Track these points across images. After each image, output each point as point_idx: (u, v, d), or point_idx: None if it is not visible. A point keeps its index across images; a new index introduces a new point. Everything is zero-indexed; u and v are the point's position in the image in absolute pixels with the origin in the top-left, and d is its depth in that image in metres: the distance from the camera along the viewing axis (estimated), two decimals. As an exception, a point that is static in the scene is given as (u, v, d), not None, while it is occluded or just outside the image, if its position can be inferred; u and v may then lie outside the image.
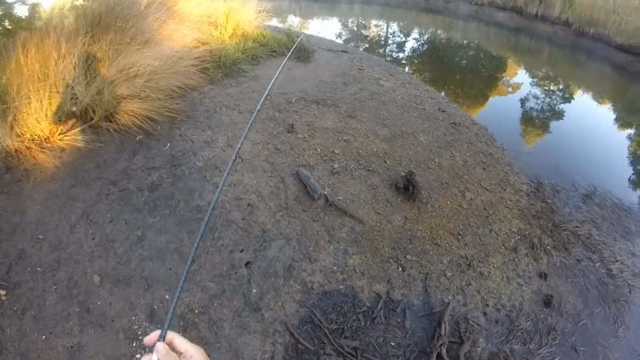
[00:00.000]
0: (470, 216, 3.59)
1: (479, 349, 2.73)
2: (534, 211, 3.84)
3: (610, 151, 6.27)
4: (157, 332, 0.67)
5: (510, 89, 9.35)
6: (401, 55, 10.73)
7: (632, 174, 5.66)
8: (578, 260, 3.47)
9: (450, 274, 3.09)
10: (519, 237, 3.52)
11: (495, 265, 3.24)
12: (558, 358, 2.78)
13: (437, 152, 4.35)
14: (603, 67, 10.46)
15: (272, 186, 3.50)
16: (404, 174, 3.82)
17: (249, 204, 3.27)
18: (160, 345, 0.64)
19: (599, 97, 9.83)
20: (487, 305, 2.97)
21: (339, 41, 10.25)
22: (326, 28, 12.37)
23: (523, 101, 8.46)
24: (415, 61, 10.23)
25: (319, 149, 4.06)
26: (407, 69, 9.09)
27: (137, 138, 3.77)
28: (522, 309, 3.02)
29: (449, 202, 3.66)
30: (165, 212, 3.10)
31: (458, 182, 3.96)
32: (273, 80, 2.20)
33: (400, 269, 3.04)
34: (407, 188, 3.57)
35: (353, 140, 4.26)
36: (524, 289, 3.15)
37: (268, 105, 4.70)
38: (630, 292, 3.31)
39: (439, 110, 5.49)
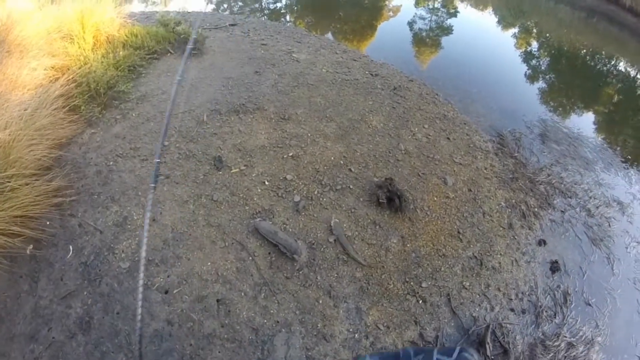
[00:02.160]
0: (460, 205, 3.53)
1: (519, 347, 2.82)
2: (509, 173, 3.98)
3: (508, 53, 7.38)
4: None
5: (391, 14, 9.83)
6: (279, 5, 10.09)
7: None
8: (562, 211, 3.76)
9: (468, 284, 3.04)
10: (509, 210, 3.63)
11: (501, 253, 3.29)
12: (579, 319, 3.06)
13: (397, 136, 4.11)
14: None
15: (233, 261, 2.86)
16: (377, 180, 3.53)
17: (218, 301, 2.63)
18: None
19: (485, 5, 10.82)
20: (511, 300, 3.04)
21: (210, 7, 8.96)
22: None
23: (411, 23, 8.98)
24: (296, 7, 9.75)
25: (266, 182, 3.45)
26: (288, 17, 8.72)
27: (28, 252, 2.73)
28: (538, 287, 3.17)
29: (435, 198, 3.53)
30: (119, 358, 2.32)
31: (432, 166, 3.83)
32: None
33: (421, 302, 2.86)
34: (391, 199, 3.30)
35: (302, 154, 3.72)
36: (532, 265, 3.30)
37: (176, 136, 3.78)
38: (609, 225, 3.76)
39: (371, 74, 5.17)
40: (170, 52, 5.10)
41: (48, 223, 2.93)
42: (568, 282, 3.27)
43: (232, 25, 6.27)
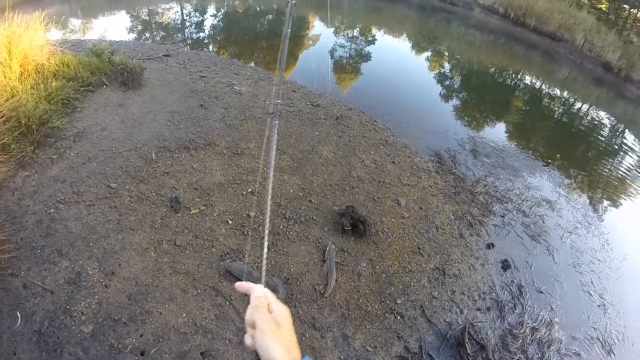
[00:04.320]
0: (416, 223, 4.04)
1: (492, 340, 3.29)
2: (452, 188, 4.66)
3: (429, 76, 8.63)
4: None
5: (310, 42, 10.77)
6: (202, 35, 10.50)
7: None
8: (502, 216, 4.50)
9: (436, 293, 3.48)
10: (458, 221, 4.23)
11: (459, 261, 3.83)
12: (536, 306, 3.68)
13: (347, 164, 4.56)
14: (399, 8, 13.09)
15: (210, 309, 2.92)
16: (337, 209, 3.88)
17: (202, 354, 2.66)
18: (260, 289, 0.79)
19: (400, 34, 12.35)
20: (476, 301, 3.55)
21: (133, 36, 8.98)
22: (117, 25, 10.63)
23: (332, 51, 9.90)
24: (219, 38, 10.25)
25: (229, 221, 3.60)
26: (211, 47, 9.16)
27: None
28: (495, 285, 3.75)
29: (393, 220, 3.99)
30: None
31: (385, 190, 4.32)
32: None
33: (399, 318, 3.21)
34: (355, 226, 3.66)
35: (261, 189, 3.95)
36: (486, 267, 3.88)
37: (123, 177, 3.75)
38: (543, 221, 4.60)
39: (312, 105, 5.66)
40: (106, 84, 5.04)
41: (-14, 286, 2.68)
42: (519, 276, 3.92)
43: (165, 56, 6.42)
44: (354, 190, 4.22)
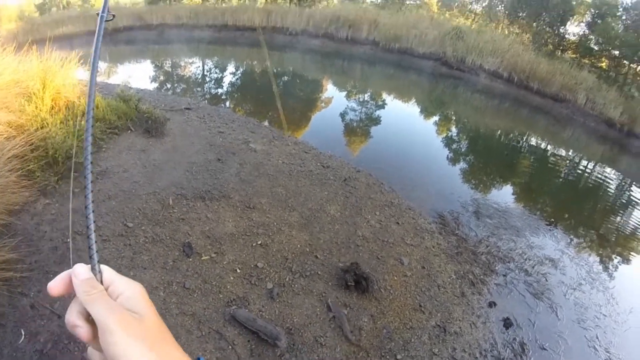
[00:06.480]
0: (418, 282, 4.18)
1: None
2: (454, 249, 4.83)
3: (436, 140, 9.17)
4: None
5: (323, 104, 11.48)
6: (220, 91, 11.41)
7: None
8: (504, 275, 4.61)
9: (437, 350, 3.53)
10: (460, 280, 4.35)
11: (460, 319, 3.90)
12: None
13: (353, 223, 4.82)
14: (410, 74, 14.13)
15: (212, 351, 3.06)
16: (342, 265, 4.08)
17: (201, 398, 2.78)
18: (82, 268, 0.54)
19: (410, 99, 13.10)
20: (477, 358, 3.57)
21: (155, 85, 9.94)
22: (141, 73, 11.82)
23: (343, 114, 10.45)
24: (236, 95, 11.11)
25: (238, 270, 3.82)
26: (228, 103, 9.95)
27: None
28: (497, 342, 3.77)
29: (395, 278, 4.14)
30: None
31: (388, 249, 4.52)
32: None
33: (399, 374, 3.26)
34: (358, 282, 3.83)
35: (270, 243, 4.21)
36: (488, 325, 3.93)
37: (140, 218, 4.06)
38: (546, 279, 4.68)
39: (322, 166, 6.07)
40: (131, 130, 5.52)
41: (-6, 303, 2.83)
42: (522, 334, 3.94)
43: (187, 109, 7.11)
44: (358, 249, 4.43)
